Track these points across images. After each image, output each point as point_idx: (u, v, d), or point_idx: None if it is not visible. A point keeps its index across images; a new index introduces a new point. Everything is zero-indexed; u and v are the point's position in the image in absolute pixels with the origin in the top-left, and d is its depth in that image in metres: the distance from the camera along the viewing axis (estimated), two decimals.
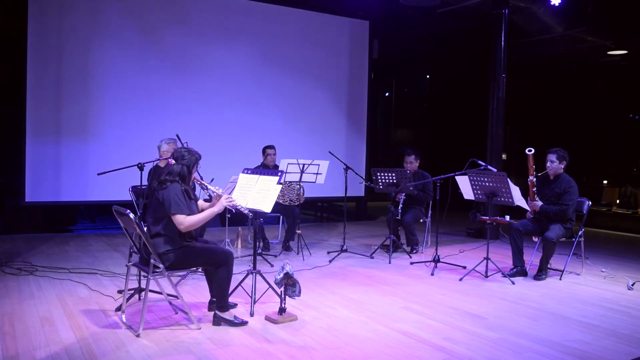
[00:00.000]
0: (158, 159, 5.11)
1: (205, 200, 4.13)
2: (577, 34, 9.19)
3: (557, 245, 5.38)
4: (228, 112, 8.47)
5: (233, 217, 6.25)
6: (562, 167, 5.51)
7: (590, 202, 5.80)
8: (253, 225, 4.45)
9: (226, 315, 3.81)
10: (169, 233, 3.66)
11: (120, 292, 4.52)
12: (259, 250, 6.33)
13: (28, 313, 3.97)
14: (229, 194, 4.02)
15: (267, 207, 3.96)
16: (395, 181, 6.13)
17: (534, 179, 5.43)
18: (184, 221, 3.62)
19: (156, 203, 3.71)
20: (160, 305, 4.22)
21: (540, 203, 5.45)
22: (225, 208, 3.91)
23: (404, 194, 6.38)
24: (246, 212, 3.92)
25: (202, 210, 3.90)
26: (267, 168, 6.51)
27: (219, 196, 3.88)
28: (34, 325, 3.72)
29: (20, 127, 7.12)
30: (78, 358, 3.20)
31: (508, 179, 5.27)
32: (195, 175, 3.98)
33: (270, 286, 4.28)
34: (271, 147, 6.78)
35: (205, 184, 4.09)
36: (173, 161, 3.78)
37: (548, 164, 5.51)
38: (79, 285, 4.77)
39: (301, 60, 9.06)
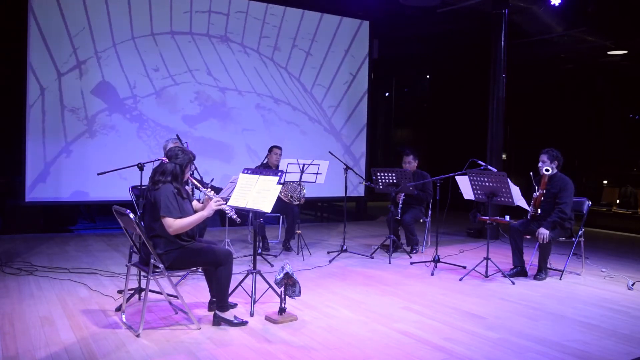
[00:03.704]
0: (162, 158, 5.08)
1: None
2: (577, 34, 9.20)
3: (557, 245, 5.38)
4: (228, 112, 8.47)
5: None
6: (554, 166, 5.48)
7: (590, 202, 5.78)
8: (253, 225, 4.45)
9: (226, 315, 3.81)
10: (168, 233, 3.65)
11: (120, 292, 4.52)
12: (259, 250, 6.32)
13: (28, 313, 3.97)
14: (229, 194, 4.01)
15: (267, 207, 3.95)
16: (395, 181, 6.13)
17: (544, 192, 5.42)
18: (173, 224, 3.61)
19: (151, 203, 3.71)
20: (160, 305, 4.22)
21: (545, 232, 5.24)
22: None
23: (403, 194, 6.38)
24: (234, 217, 3.90)
25: (195, 211, 3.89)
26: (269, 168, 6.47)
27: (210, 199, 3.86)
28: (34, 325, 3.72)
29: (20, 127, 7.12)
30: (78, 358, 3.20)
31: (508, 179, 5.26)
32: (189, 174, 3.96)
33: (270, 286, 4.28)
34: (278, 147, 6.70)
35: (199, 185, 4.08)
36: (166, 160, 3.77)
37: (540, 164, 5.48)
38: (79, 285, 4.77)
39: (301, 60, 9.06)
